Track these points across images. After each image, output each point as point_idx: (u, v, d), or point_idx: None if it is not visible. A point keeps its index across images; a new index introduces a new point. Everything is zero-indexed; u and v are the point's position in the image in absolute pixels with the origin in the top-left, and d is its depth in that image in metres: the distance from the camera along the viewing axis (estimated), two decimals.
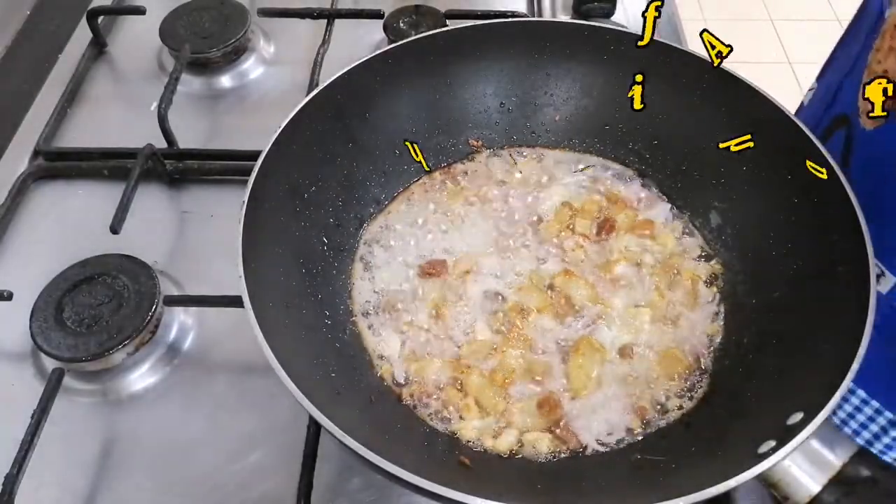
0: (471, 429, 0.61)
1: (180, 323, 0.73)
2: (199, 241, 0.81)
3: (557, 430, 0.61)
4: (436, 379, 0.64)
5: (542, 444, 0.60)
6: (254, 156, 0.63)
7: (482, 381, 0.63)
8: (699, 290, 0.70)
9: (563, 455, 0.60)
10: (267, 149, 0.63)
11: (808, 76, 0.83)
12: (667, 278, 0.70)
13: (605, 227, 0.74)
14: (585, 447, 0.60)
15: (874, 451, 0.86)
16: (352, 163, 0.72)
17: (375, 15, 0.99)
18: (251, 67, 1.00)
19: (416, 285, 0.70)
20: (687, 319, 0.68)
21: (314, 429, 0.63)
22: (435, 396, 0.63)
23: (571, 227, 0.74)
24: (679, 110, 0.73)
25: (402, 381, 0.64)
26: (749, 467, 0.46)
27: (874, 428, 0.84)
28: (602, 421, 0.62)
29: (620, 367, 0.65)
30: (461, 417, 0.62)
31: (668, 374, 0.64)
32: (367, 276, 0.71)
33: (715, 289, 0.70)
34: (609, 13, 1.00)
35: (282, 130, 0.65)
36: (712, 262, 0.72)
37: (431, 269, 0.70)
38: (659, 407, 0.62)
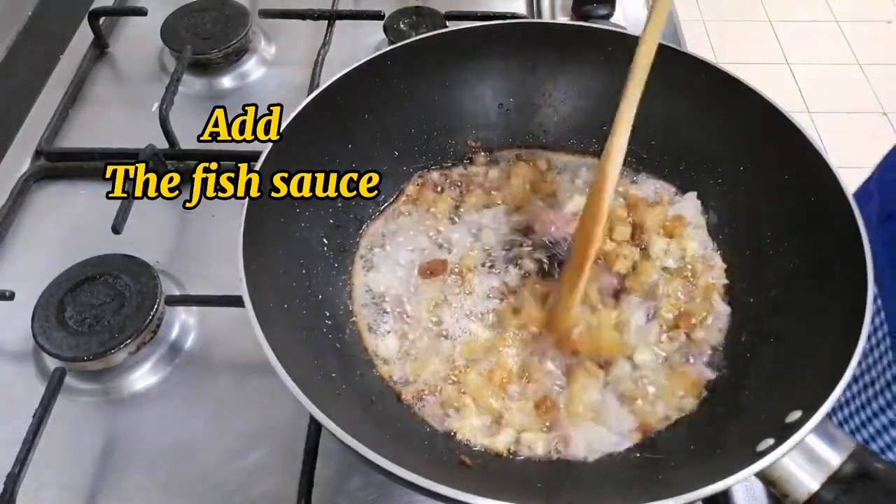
0: (469, 428, 0.61)
1: (182, 322, 0.74)
2: (200, 241, 0.81)
3: (554, 431, 0.61)
4: (435, 378, 0.64)
5: (539, 444, 0.60)
6: (254, 157, 0.63)
7: (480, 381, 0.63)
8: (714, 300, 0.68)
9: (561, 454, 0.60)
10: (267, 150, 0.63)
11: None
12: (681, 286, 0.69)
13: (637, 230, 0.72)
14: None
15: (874, 448, 0.86)
16: (351, 164, 0.72)
17: (376, 16, 1.00)
18: (252, 68, 1.00)
19: (416, 285, 0.70)
20: (701, 329, 0.66)
21: (315, 428, 0.63)
22: (434, 395, 0.63)
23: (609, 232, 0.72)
24: (677, 111, 0.73)
25: (401, 380, 0.64)
26: (748, 465, 0.46)
27: (872, 428, 0.85)
28: (600, 429, 0.61)
29: (621, 382, 0.64)
30: (460, 416, 0.62)
31: (674, 391, 0.63)
32: (367, 276, 0.71)
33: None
34: (608, 15, 1.00)
35: (282, 131, 0.65)
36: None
37: (431, 269, 0.71)
38: (660, 425, 0.62)
